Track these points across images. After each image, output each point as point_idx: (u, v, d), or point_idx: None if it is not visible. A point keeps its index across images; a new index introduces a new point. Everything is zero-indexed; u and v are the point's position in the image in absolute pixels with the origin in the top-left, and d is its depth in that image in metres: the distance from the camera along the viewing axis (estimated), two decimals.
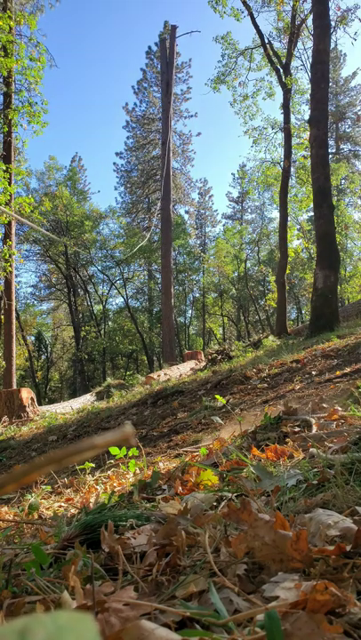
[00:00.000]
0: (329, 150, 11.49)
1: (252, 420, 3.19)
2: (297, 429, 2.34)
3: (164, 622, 0.73)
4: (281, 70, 15.37)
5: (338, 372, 4.07)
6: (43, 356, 34.00)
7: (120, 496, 1.90)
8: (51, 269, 31.64)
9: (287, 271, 15.50)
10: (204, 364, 12.56)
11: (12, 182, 12.40)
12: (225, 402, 3.85)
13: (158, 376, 11.48)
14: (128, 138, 33.84)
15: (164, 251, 21.12)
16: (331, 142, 30.70)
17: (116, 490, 2.28)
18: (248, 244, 33.48)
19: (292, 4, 15.15)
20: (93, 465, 3.09)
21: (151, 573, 0.96)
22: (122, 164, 34.30)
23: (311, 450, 1.76)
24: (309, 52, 12.98)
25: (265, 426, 2.46)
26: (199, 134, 39.98)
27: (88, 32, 72.14)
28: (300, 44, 15.93)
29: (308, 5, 14.19)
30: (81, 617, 0.32)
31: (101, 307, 33.13)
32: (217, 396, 3.43)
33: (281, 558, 0.87)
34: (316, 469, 1.51)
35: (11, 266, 12.76)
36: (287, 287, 18.33)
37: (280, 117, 16.76)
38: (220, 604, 0.75)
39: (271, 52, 15.33)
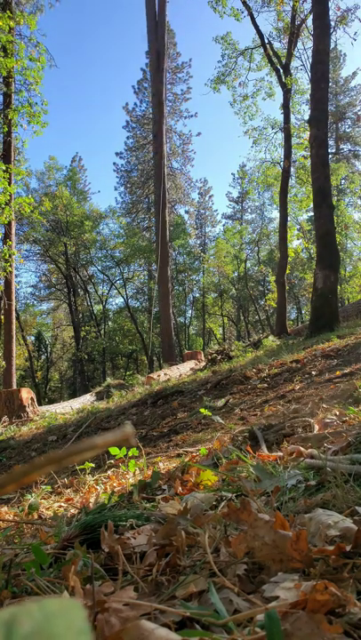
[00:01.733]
0: (329, 150, 11.49)
1: (253, 421, 3.19)
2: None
3: (164, 622, 0.73)
4: (281, 70, 15.38)
5: (338, 372, 4.07)
6: (43, 356, 34.02)
7: (120, 496, 1.90)
8: (51, 269, 31.66)
9: (287, 271, 15.51)
10: (203, 364, 12.55)
11: (12, 182, 12.39)
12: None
13: (158, 376, 11.46)
14: (128, 138, 33.92)
15: (162, 254, 18.26)
16: (331, 142, 30.70)
17: (115, 490, 2.28)
18: (248, 244, 33.52)
19: (292, 4, 15.17)
20: (93, 465, 3.08)
21: (151, 573, 0.96)
22: (122, 164, 34.36)
23: (311, 450, 1.76)
24: (309, 52, 12.98)
25: (266, 427, 2.47)
26: (199, 134, 40.12)
27: (88, 32, 72.29)
28: (300, 44, 15.96)
29: (308, 5, 14.22)
30: (69, 603, 0.31)
31: (101, 307, 33.13)
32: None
33: (281, 558, 0.87)
34: (315, 470, 1.51)
35: (11, 266, 12.75)
36: (287, 287, 18.33)
37: (280, 117, 16.78)
38: (220, 604, 0.75)
39: (271, 52, 15.34)
